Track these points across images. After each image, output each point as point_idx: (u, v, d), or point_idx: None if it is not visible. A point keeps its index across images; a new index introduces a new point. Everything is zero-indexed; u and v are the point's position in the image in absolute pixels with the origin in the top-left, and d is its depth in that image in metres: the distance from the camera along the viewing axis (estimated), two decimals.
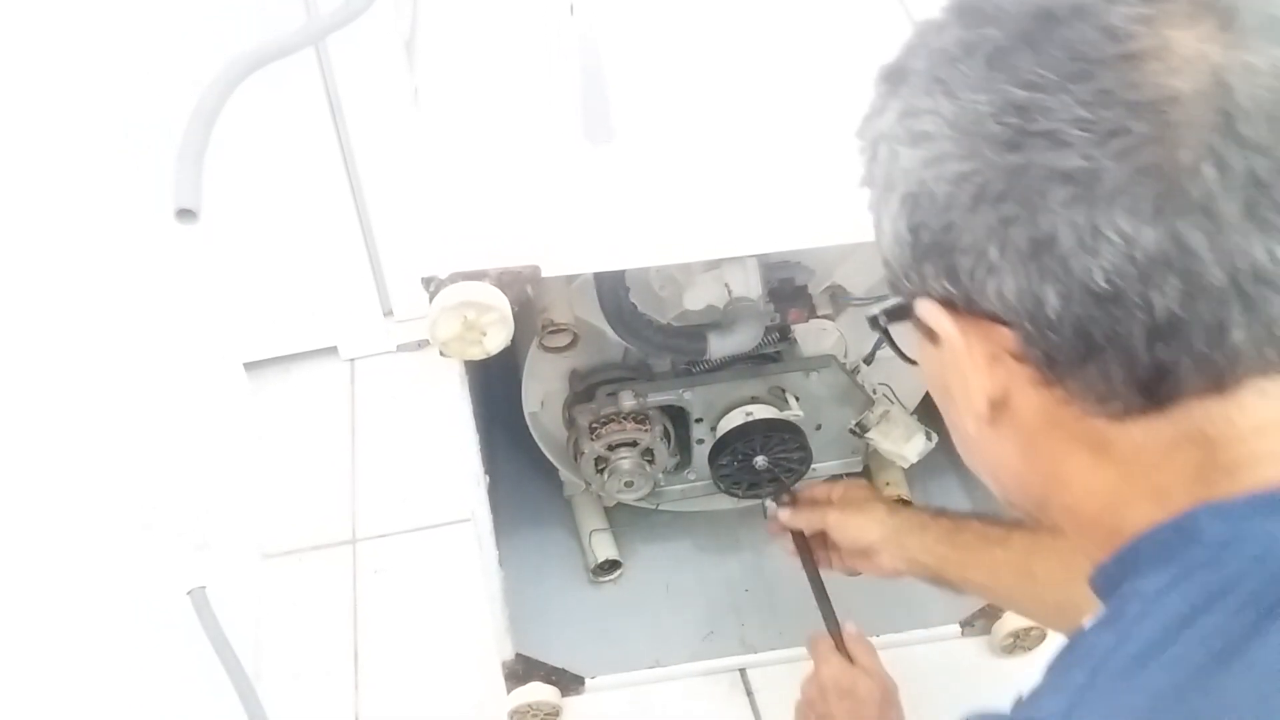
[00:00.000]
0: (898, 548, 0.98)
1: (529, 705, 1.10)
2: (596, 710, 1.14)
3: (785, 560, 1.09)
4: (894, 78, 0.45)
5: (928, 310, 0.45)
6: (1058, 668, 0.45)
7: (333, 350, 1.58)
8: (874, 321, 0.52)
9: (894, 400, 1.18)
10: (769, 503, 1.10)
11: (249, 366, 1.53)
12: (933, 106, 0.42)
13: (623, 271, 0.90)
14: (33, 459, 0.92)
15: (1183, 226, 0.38)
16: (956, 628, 1.20)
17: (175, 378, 1.29)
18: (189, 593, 0.98)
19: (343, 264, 1.47)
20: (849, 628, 1.01)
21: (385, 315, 1.56)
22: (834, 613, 1.03)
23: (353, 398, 1.53)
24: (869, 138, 0.47)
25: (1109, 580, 0.46)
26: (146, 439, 1.12)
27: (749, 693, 1.18)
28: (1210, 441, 0.42)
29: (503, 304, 0.75)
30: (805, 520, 1.05)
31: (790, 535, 1.07)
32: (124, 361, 1.07)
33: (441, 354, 0.77)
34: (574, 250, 0.77)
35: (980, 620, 1.19)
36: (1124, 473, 0.44)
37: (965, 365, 0.44)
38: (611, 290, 0.89)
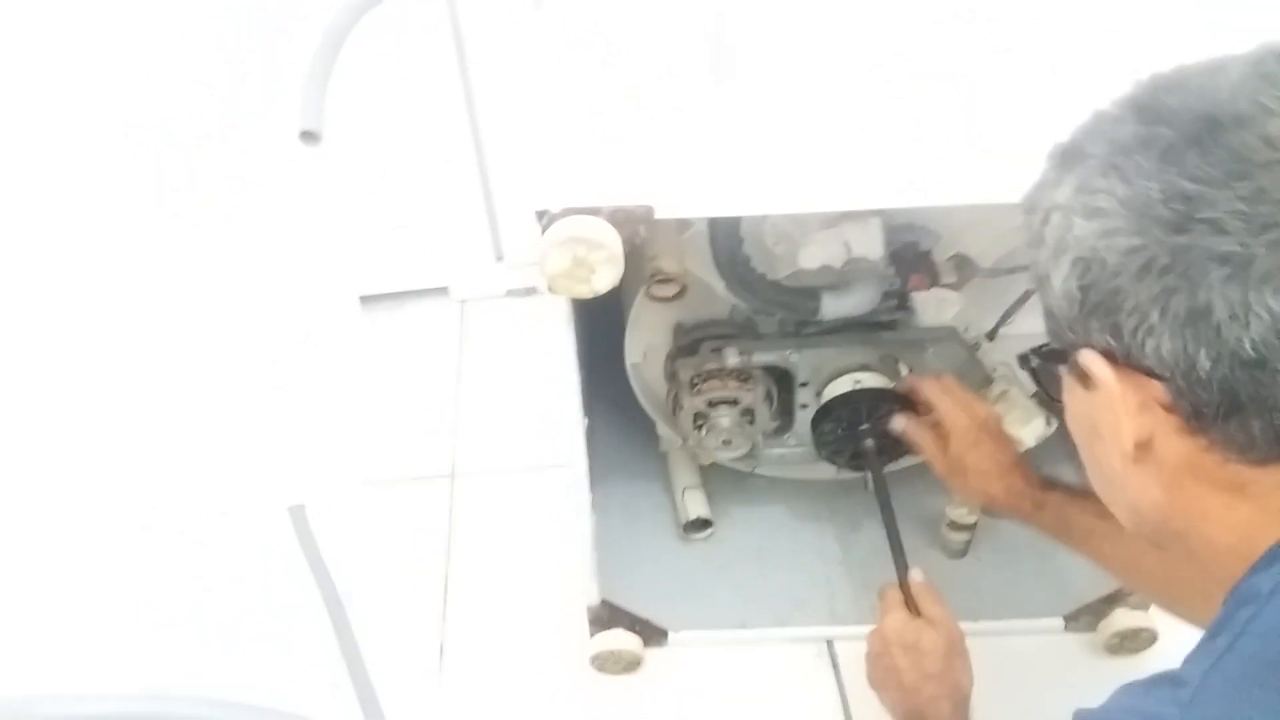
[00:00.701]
0: (1004, 490, 0.95)
1: (611, 652, 1.10)
2: (678, 664, 1.14)
3: (881, 535, 1.05)
4: (1070, 157, 0.52)
5: (1090, 359, 0.51)
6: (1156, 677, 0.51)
7: (444, 290, 1.60)
8: (1024, 360, 0.61)
9: (1013, 381, 1.13)
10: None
11: (364, 300, 1.57)
12: (1108, 187, 0.49)
13: (738, 221, 0.88)
14: (148, 373, 0.95)
15: None
16: (1060, 621, 1.15)
17: (290, 304, 1.32)
18: (289, 510, 1.01)
19: (459, 206, 1.49)
20: (914, 575, 0.99)
21: (497, 260, 1.57)
22: (905, 560, 1.01)
23: (461, 338, 1.55)
24: (1043, 206, 0.53)
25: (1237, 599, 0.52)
26: (259, 360, 1.15)
27: (834, 665, 1.15)
28: None
29: (614, 242, 0.73)
30: (955, 395, 0.99)
31: (878, 495, 1.05)
32: (243, 283, 1.11)
33: (549, 290, 0.77)
34: (689, 193, 0.74)
35: (1086, 616, 1.13)
36: (1259, 508, 0.50)
37: (1118, 409, 0.51)
38: (725, 240, 0.87)
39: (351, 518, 1.26)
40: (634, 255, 1.03)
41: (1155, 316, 0.47)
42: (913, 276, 0.98)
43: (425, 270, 1.59)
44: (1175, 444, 0.51)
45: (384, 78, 1.27)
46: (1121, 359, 0.50)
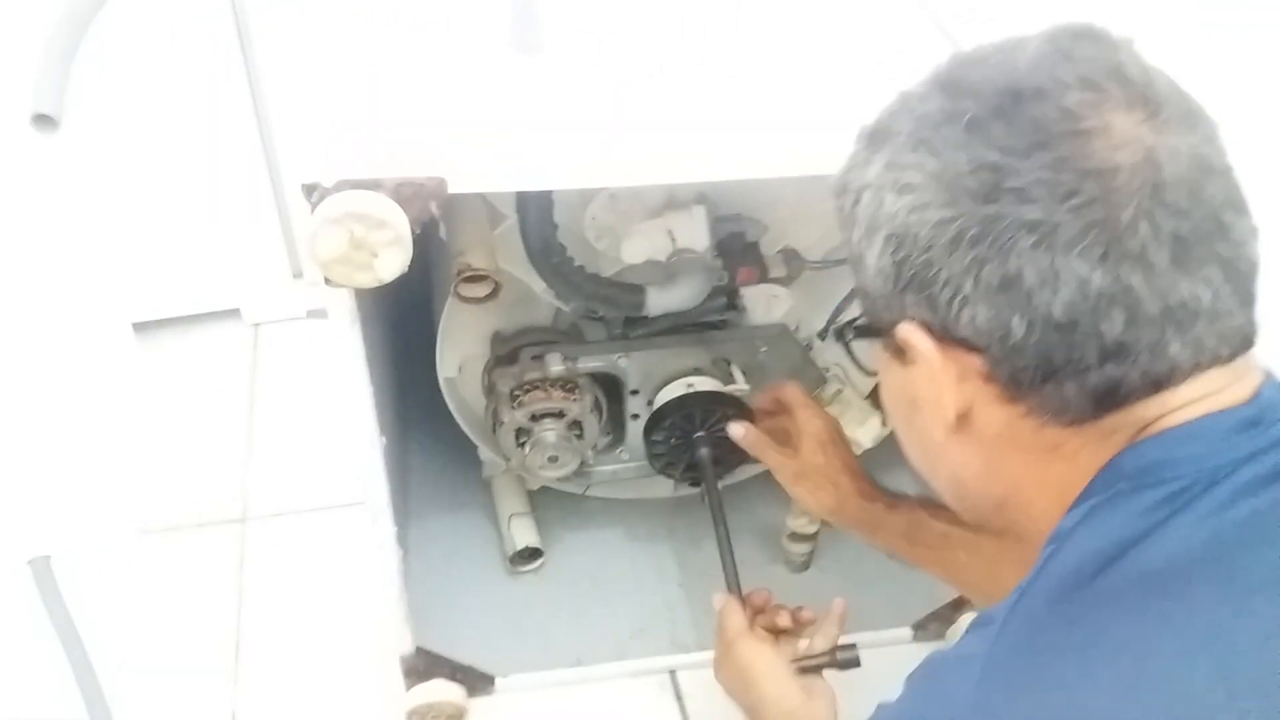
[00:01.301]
0: (845, 525, 0.91)
1: (429, 705, 0.97)
2: (507, 714, 1.02)
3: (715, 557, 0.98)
4: (878, 136, 0.52)
5: (909, 331, 0.51)
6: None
7: (236, 313, 1.44)
8: (840, 334, 0.63)
9: (846, 381, 1.09)
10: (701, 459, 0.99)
11: (143, 326, 1.38)
12: (917, 162, 0.49)
13: (550, 206, 0.79)
14: None
15: (1124, 270, 0.46)
16: (909, 631, 1.10)
17: (44, 332, 1.15)
18: (30, 561, 0.84)
19: (249, 217, 1.33)
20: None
21: (295, 277, 1.42)
22: (736, 573, 0.94)
23: (255, 365, 1.39)
24: (854, 186, 0.53)
25: None
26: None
27: (679, 696, 1.06)
28: (1145, 421, 0.50)
29: (399, 221, 0.62)
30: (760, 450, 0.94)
31: (709, 498, 0.98)
32: None
33: (325, 280, 0.65)
34: (488, 164, 0.65)
35: (934, 624, 1.09)
36: (1071, 466, 0.51)
37: (940, 381, 0.51)
38: (537, 226, 0.78)
39: (119, 572, 1.08)
40: (442, 252, 0.92)
41: (969, 286, 0.48)
42: (741, 270, 0.91)
43: (213, 290, 1.42)
44: (994, 413, 0.52)
45: (153, 61, 1.12)
46: (939, 332, 0.51)
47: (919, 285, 0.50)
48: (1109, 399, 0.49)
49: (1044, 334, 0.47)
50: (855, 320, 0.59)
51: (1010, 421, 0.51)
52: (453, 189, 0.64)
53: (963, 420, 0.52)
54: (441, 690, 0.98)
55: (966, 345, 0.50)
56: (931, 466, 0.58)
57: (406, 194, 0.63)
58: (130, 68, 1.12)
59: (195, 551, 1.15)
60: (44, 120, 0.78)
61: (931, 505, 0.87)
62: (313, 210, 0.62)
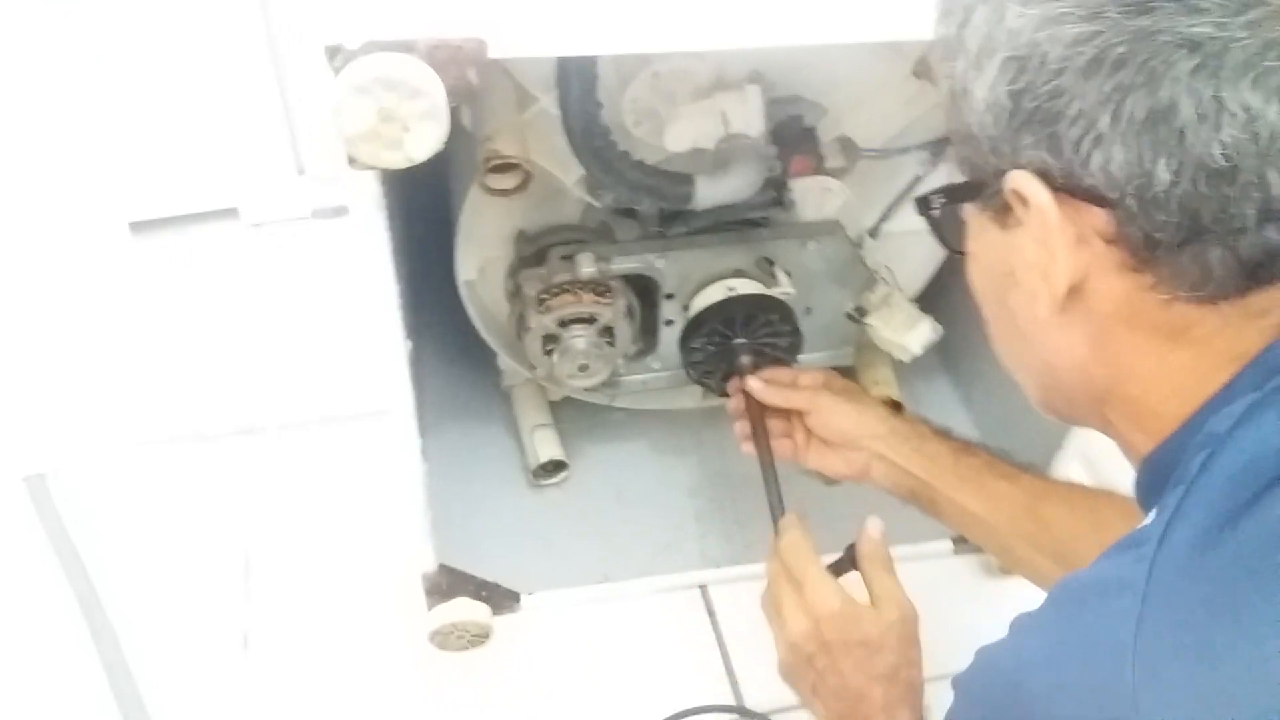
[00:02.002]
0: (886, 449, 0.84)
1: (453, 625, 0.93)
2: (533, 632, 0.97)
3: (753, 464, 0.91)
4: None
5: (1022, 181, 0.43)
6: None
7: (233, 213, 1.35)
8: (924, 204, 0.51)
9: (895, 286, 1.01)
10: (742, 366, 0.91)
11: (135, 226, 1.30)
12: None
13: (594, 79, 0.70)
14: None
15: None
16: (948, 544, 1.05)
17: (35, 234, 1.06)
18: (25, 479, 0.77)
19: (246, 106, 1.24)
20: (870, 529, 0.77)
21: (298, 173, 1.33)
22: (781, 499, 0.85)
23: (256, 268, 1.31)
24: (963, 3, 0.45)
25: (1155, 472, 0.46)
26: None
27: (710, 612, 1.02)
28: None
29: (434, 88, 0.54)
30: (784, 396, 0.88)
31: (749, 416, 0.90)
32: None
33: (349, 161, 0.57)
34: (535, 22, 0.56)
35: None
36: (1200, 353, 0.44)
37: (1054, 242, 0.43)
38: (581, 103, 0.69)
39: (119, 488, 1.02)
40: (463, 140, 0.84)
41: (1105, 122, 0.40)
42: (795, 159, 0.83)
43: (208, 188, 1.32)
44: (1112, 284, 0.44)
45: None
46: (1060, 181, 0.42)
47: (1041, 121, 0.42)
48: (1262, 270, 0.41)
49: (1194, 183, 0.39)
50: (939, 188, 0.51)
51: (1131, 295, 0.44)
52: (493, 53, 0.55)
53: (1074, 294, 0.44)
54: (466, 609, 0.93)
55: (1092, 198, 0.42)
56: (1022, 354, 0.51)
57: (442, 58, 0.54)
58: None
59: (200, 465, 1.09)
60: None
61: (974, 448, 0.83)
62: (336, 76, 0.54)
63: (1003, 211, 0.46)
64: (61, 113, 1.04)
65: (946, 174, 0.97)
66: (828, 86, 0.86)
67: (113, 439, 1.03)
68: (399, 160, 0.56)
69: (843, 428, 0.85)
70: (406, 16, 0.55)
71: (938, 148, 0.92)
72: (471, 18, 0.55)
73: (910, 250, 1.05)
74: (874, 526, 0.77)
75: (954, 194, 0.50)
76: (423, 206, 0.99)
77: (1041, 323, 0.46)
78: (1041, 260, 0.44)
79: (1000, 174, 0.44)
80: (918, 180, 0.95)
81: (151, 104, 1.22)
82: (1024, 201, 0.44)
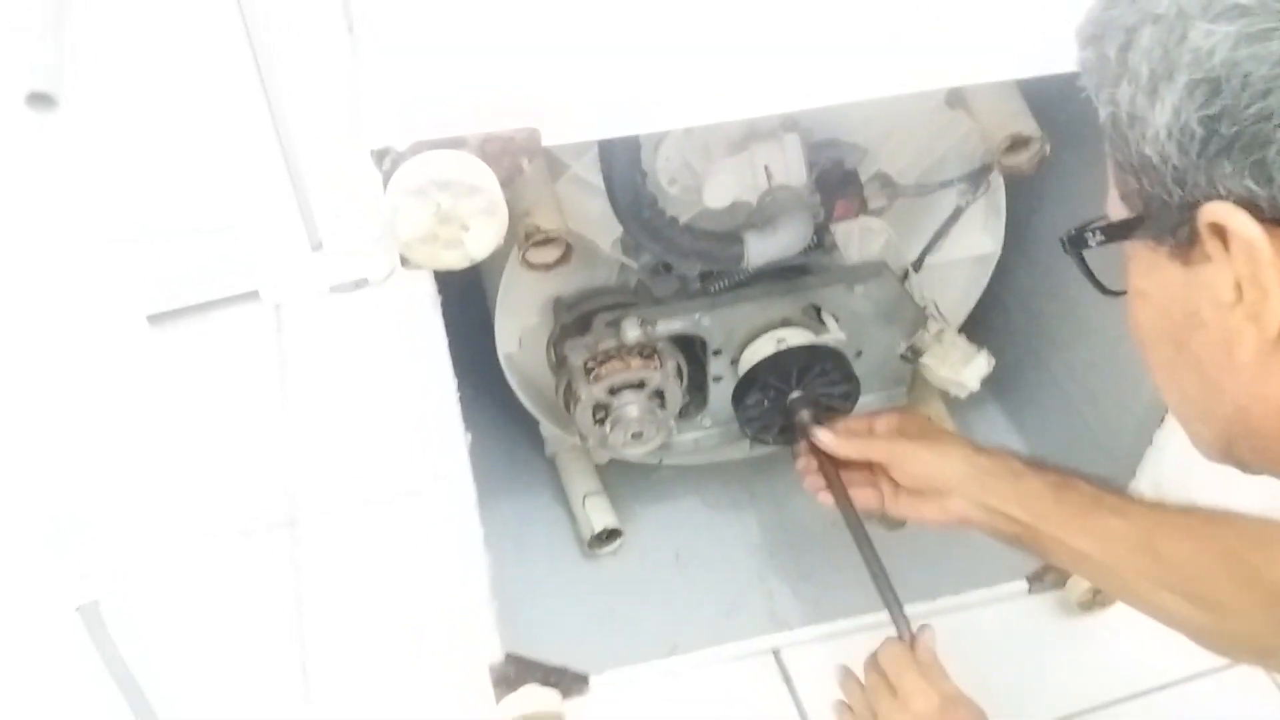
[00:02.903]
0: (981, 493, 0.78)
1: (524, 716, 0.89)
2: (605, 713, 0.94)
3: (815, 512, 0.88)
4: None
5: (1226, 214, 0.39)
6: None
7: (254, 295, 1.32)
8: (1077, 241, 0.48)
9: (941, 316, 0.99)
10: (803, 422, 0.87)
11: (154, 318, 1.27)
12: None
13: (638, 149, 0.68)
14: None
15: None
16: (1023, 584, 1.01)
17: (56, 338, 1.04)
18: (78, 609, 0.74)
19: (257, 188, 1.21)
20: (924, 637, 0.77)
21: (314, 249, 1.30)
22: (897, 596, 0.80)
23: (281, 350, 1.28)
24: (1121, 24, 0.41)
25: None
26: (16, 416, 0.87)
27: (786, 679, 0.98)
28: None
29: (490, 183, 0.52)
30: (860, 448, 0.83)
31: (823, 472, 0.85)
32: None
33: (405, 263, 0.54)
34: (590, 107, 0.53)
35: (1051, 574, 1.00)
36: None
37: (1268, 279, 0.39)
38: (626, 175, 0.67)
39: (167, 596, 0.98)
40: None
41: None
42: (839, 203, 0.81)
43: (226, 272, 1.30)
44: None
45: (147, 28, 0.99)
46: (1269, 211, 0.38)
47: (1245, 147, 0.38)
48: None
49: None
50: (1096, 221, 0.47)
51: None
52: (547, 140, 0.53)
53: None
54: (536, 698, 0.89)
55: None
56: (1205, 400, 0.47)
57: (494, 150, 0.52)
58: (123, 38, 1.00)
59: (243, 561, 1.05)
60: (42, 100, 0.68)
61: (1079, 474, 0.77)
62: (386, 181, 0.51)
63: (1185, 246, 0.42)
64: (83, 216, 1.03)
65: (984, 206, 0.95)
66: (861, 125, 0.84)
67: (156, 548, 1.00)
68: (458, 260, 0.54)
69: (927, 474, 0.79)
70: (453, 110, 0.52)
71: (977, 178, 0.89)
72: (517, 106, 0.53)
73: (953, 281, 1.02)
74: (927, 638, 0.76)
75: (1123, 229, 0.45)
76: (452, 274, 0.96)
77: (1242, 366, 0.43)
78: (1252, 298, 0.40)
79: (1188, 206, 0.41)
80: (958, 211, 0.93)
81: (159, 191, 1.20)
82: (1221, 235, 0.40)
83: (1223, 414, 0.46)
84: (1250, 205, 0.39)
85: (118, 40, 1.03)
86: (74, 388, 1.03)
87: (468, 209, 0.51)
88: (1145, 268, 0.45)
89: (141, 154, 1.14)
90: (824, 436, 0.84)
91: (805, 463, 0.87)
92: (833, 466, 0.84)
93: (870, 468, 0.83)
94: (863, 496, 0.83)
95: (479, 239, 0.53)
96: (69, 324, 1.09)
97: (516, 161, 0.52)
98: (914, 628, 0.78)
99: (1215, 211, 0.39)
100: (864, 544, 0.81)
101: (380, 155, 0.51)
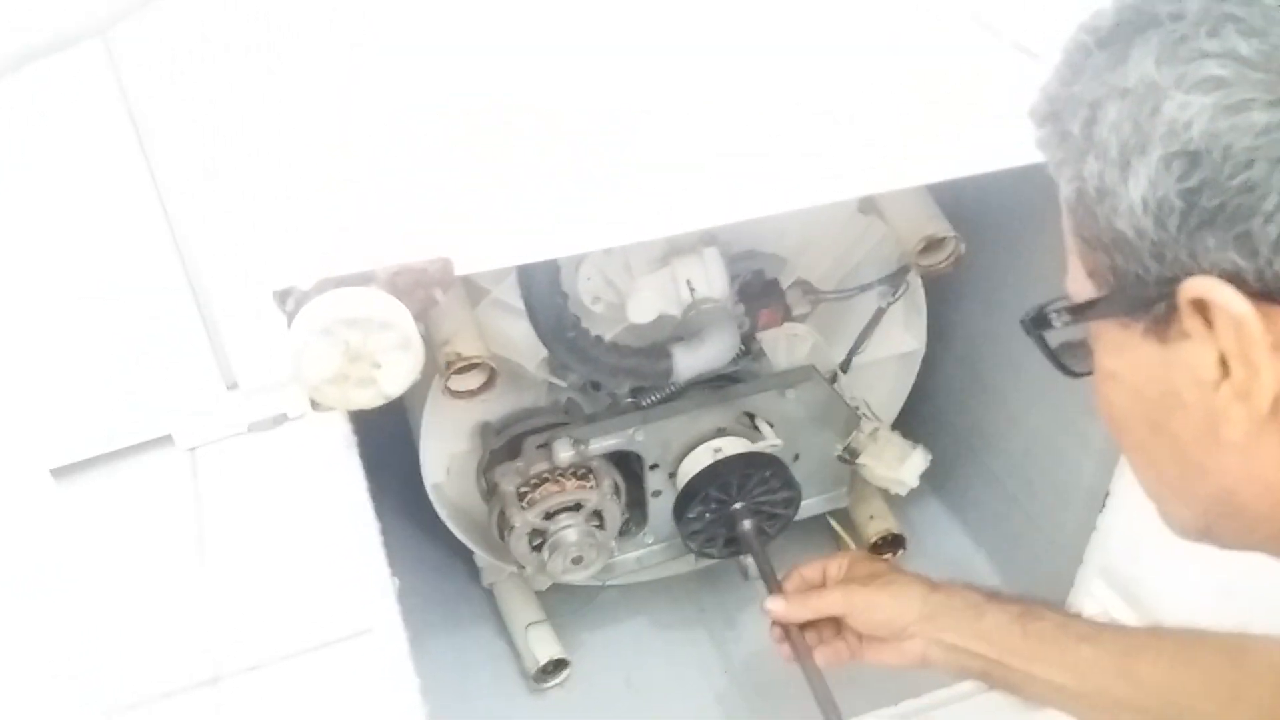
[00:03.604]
0: (941, 632, 0.76)
1: None
2: None
3: (766, 624, 0.85)
4: (1127, 28, 0.40)
5: (1210, 288, 0.38)
6: None
7: (167, 440, 1.27)
8: (1038, 322, 0.47)
9: (873, 415, 0.98)
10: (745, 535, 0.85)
11: (58, 473, 1.21)
12: (1224, 48, 0.37)
13: (558, 272, 0.67)
14: None
15: None
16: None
17: None
18: None
19: (166, 328, 1.18)
20: None
21: (229, 388, 1.26)
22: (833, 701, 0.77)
23: (197, 496, 1.23)
24: (1084, 99, 0.41)
25: None
26: None
27: None
28: None
29: (403, 318, 0.50)
30: (815, 607, 0.80)
31: (787, 634, 0.82)
32: None
33: (314, 405, 0.52)
34: (504, 234, 0.52)
35: None
36: None
37: (1258, 355, 0.38)
38: (548, 299, 0.66)
39: None
40: None
41: None
42: (763, 312, 0.81)
43: (137, 418, 1.25)
44: None
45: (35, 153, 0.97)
46: (1255, 285, 0.37)
47: (1229, 219, 0.37)
48: None
49: None
50: (1057, 301, 0.46)
51: None
52: (460, 270, 0.51)
53: (1276, 410, 0.39)
54: None
55: None
56: (1184, 481, 0.45)
57: (405, 284, 0.50)
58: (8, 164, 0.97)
59: None
60: None
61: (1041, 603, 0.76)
62: (290, 322, 0.49)
63: (1161, 323, 0.41)
64: None
65: (905, 306, 0.96)
66: (779, 236, 0.85)
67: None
68: (372, 399, 0.51)
69: (885, 620, 0.77)
70: (355, 244, 0.51)
71: (895, 279, 0.90)
72: (427, 237, 0.51)
73: (881, 380, 1.02)
74: None
75: (1092, 309, 0.43)
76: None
77: (1229, 446, 0.41)
78: (1240, 376, 0.39)
79: (1166, 281, 0.39)
80: (880, 312, 0.93)
81: (63, 338, 1.15)
82: (1203, 311, 0.39)
83: (1205, 495, 0.45)
84: (1235, 279, 0.38)
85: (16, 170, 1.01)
86: None
87: (379, 345, 0.49)
88: (1115, 347, 0.44)
89: (42, 296, 1.10)
90: (776, 606, 0.81)
91: (776, 633, 0.83)
92: (764, 553, 0.83)
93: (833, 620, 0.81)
94: (831, 654, 0.81)
95: (393, 376, 0.50)
96: None
97: (429, 294, 0.51)
98: None
99: (1198, 287, 0.38)
100: (823, 697, 0.77)
101: (283, 296, 0.49)
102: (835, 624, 0.81)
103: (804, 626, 0.81)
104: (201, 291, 1.17)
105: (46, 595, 1.00)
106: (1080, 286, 0.44)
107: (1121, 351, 0.43)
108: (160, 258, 1.12)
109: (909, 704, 0.95)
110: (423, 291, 0.50)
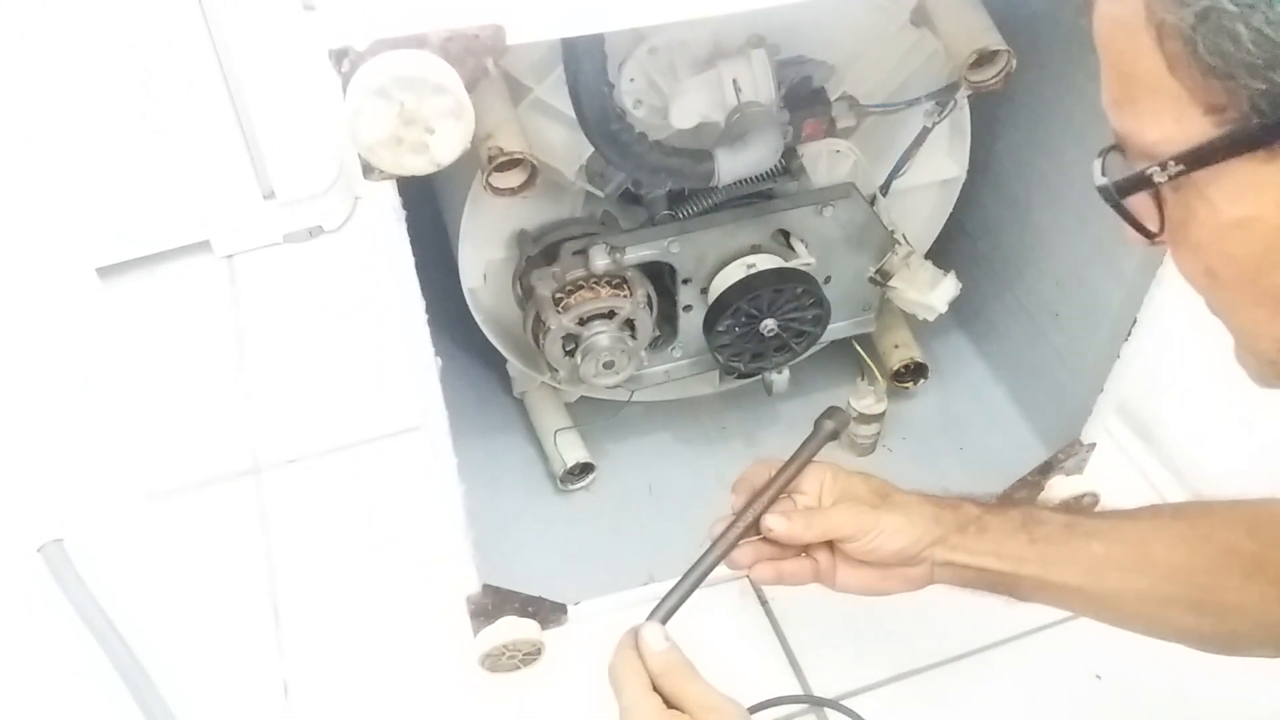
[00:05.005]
0: (950, 553, 0.70)
1: (504, 646, 0.89)
2: (585, 642, 0.93)
3: (786, 445, 0.80)
4: None
5: None
6: None
7: (205, 245, 1.29)
8: (1136, 183, 0.43)
9: (907, 243, 0.98)
10: (765, 519, 0.74)
11: (102, 271, 1.24)
12: None
13: (604, 59, 0.66)
14: None
15: None
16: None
17: (5, 291, 1.01)
18: (40, 549, 0.72)
19: (205, 134, 1.18)
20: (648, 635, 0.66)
21: (266, 198, 1.27)
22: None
23: (236, 301, 1.26)
24: None
25: None
26: None
27: (762, 601, 0.99)
28: None
29: (455, 84, 0.50)
30: (822, 528, 0.71)
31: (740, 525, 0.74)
32: None
33: (367, 171, 0.53)
34: (557, 1, 0.52)
35: (1021, 491, 1.01)
36: None
37: None
38: (594, 86, 0.65)
39: (133, 543, 0.96)
40: None
41: None
42: (808, 122, 0.80)
43: (175, 223, 1.27)
44: None
45: None
46: None
47: None
48: None
49: None
50: (1156, 157, 0.41)
51: None
52: (512, 38, 0.51)
53: None
54: (514, 628, 0.89)
55: None
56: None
57: (457, 50, 0.50)
58: None
59: (210, 511, 1.04)
60: None
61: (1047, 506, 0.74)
62: (345, 82, 0.49)
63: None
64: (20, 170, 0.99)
65: (949, 130, 0.94)
66: (827, 43, 0.83)
67: (120, 495, 0.97)
68: (424, 165, 0.52)
69: (898, 549, 0.70)
70: (411, 7, 0.50)
71: (944, 96, 0.89)
72: (476, 5, 0.51)
73: (919, 206, 1.02)
74: (653, 639, 0.65)
75: (1231, 147, 0.39)
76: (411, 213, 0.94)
77: None
78: None
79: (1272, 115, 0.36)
80: (925, 132, 0.92)
81: (104, 142, 1.16)
82: None
83: None
84: None
85: None
86: (25, 339, 1.00)
87: (433, 110, 0.50)
88: (1251, 187, 0.40)
89: (85, 101, 1.11)
90: (778, 525, 0.72)
91: (760, 561, 0.75)
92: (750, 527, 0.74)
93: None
94: (795, 570, 0.74)
95: (445, 142, 0.51)
96: (17, 277, 1.06)
97: (480, 62, 0.51)
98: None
99: None
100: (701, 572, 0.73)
101: (339, 56, 0.49)
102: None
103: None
104: (241, 99, 1.17)
105: (94, 379, 1.04)
106: (1173, 130, 0.40)
107: (1261, 190, 0.39)
108: (203, 62, 1.11)
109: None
110: (474, 59, 0.51)
